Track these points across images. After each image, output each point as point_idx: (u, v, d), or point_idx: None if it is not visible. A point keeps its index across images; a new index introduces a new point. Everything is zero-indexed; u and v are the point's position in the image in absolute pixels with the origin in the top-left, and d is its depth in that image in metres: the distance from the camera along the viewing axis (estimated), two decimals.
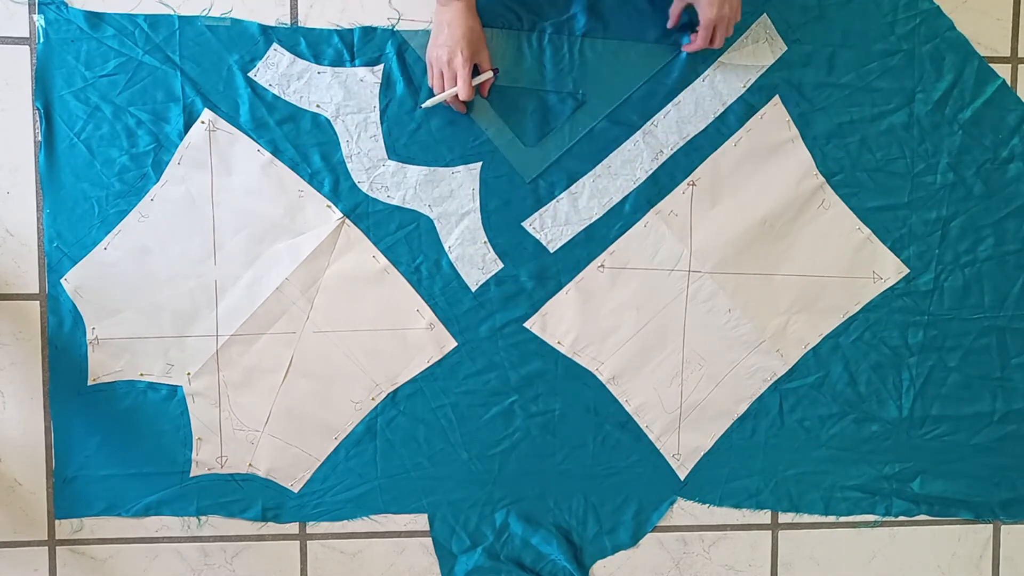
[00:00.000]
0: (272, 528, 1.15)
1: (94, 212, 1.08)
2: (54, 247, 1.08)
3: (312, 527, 1.16)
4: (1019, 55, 1.19)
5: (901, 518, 1.23)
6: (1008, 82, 1.18)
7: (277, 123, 1.09)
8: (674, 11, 1.09)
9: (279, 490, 1.14)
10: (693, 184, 1.15)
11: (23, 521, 1.12)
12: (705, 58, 1.13)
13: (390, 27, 1.10)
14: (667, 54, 1.12)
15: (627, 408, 1.17)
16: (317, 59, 1.09)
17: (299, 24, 1.09)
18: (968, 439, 1.22)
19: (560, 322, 1.15)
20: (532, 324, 1.15)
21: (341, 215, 1.10)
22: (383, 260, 1.12)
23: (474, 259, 1.13)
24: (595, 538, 1.19)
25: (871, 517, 1.23)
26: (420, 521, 1.17)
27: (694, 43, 1.07)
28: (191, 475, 1.13)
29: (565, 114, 1.11)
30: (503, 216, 1.13)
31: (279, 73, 1.08)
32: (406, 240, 1.12)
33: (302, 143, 1.09)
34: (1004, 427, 1.22)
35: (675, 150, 1.14)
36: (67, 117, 1.07)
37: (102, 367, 1.10)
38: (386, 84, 1.10)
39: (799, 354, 1.19)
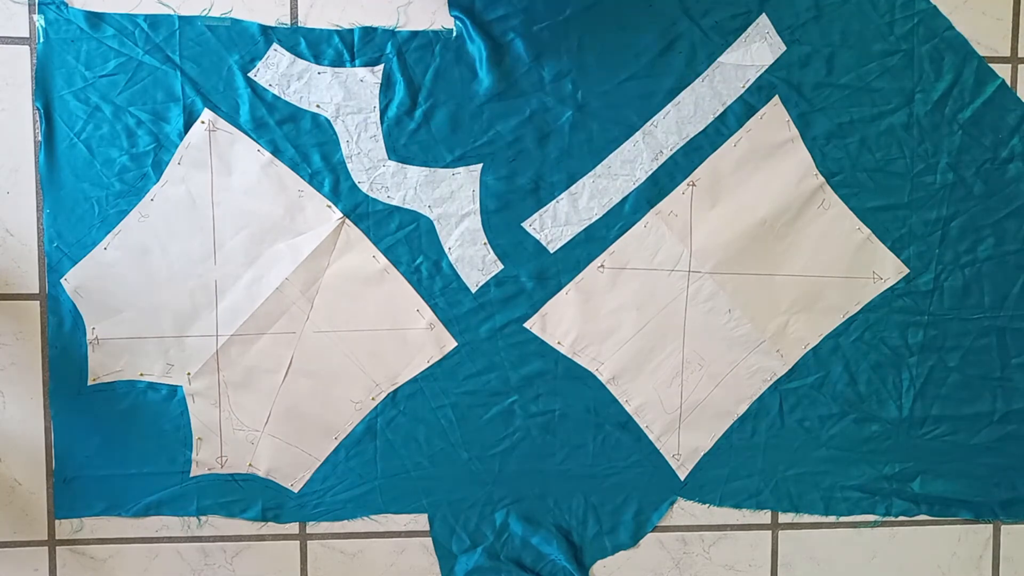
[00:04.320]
0: (272, 528, 1.15)
1: (94, 212, 1.08)
2: (54, 247, 1.08)
3: (312, 527, 1.16)
4: (1019, 55, 1.19)
5: (901, 518, 1.23)
6: (1008, 82, 1.18)
7: (277, 123, 1.09)
8: None
9: (279, 490, 1.14)
10: (693, 184, 1.15)
11: (23, 521, 1.12)
12: (704, 58, 1.13)
13: (390, 28, 1.10)
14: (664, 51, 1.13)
15: (627, 408, 1.17)
16: (317, 59, 1.09)
17: (299, 24, 1.09)
18: (968, 439, 1.22)
19: (560, 322, 1.15)
20: (532, 324, 1.15)
21: (341, 215, 1.11)
22: (383, 260, 1.12)
23: (474, 260, 1.13)
24: (595, 538, 1.19)
25: (871, 517, 1.23)
26: (420, 521, 1.17)
27: None
28: (191, 475, 1.13)
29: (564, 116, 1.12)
30: (503, 217, 1.13)
31: (279, 73, 1.09)
32: (406, 240, 1.12)
33: (302, 143, 1.09)
34: (1004, 427, 1.22)
35: (675, 150, 1.14)
36: (67, 117, 1.07)
37: (102, 367, 1.10)
38: (386, 84, 1.10)
39: (799, 354, 1.19)
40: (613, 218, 1.14)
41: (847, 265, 1.18)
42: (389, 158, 1.11)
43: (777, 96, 1.15)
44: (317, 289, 1.11)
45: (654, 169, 1.14)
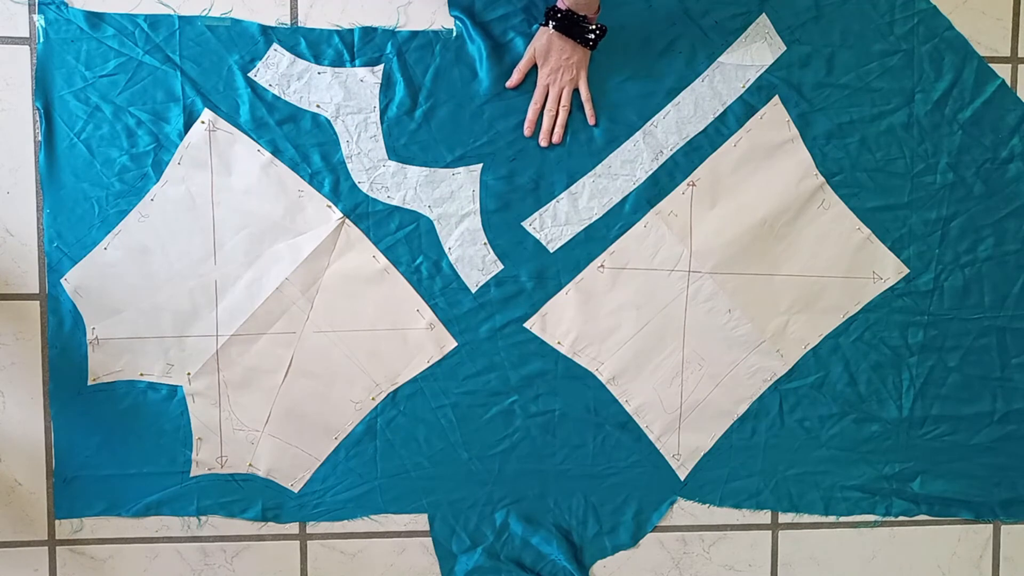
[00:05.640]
0: (272, 528, 1.15)
1: (94, 212, 1.08)
2: (54, 247, 1.08)
3: (312, 527, 1.16)
4: (1019, 55, 1.19)
5: (901, 518, 1.23)
6: (1008, 82, 1.18)
7: (277, 123, 1.09)
8: (520, 69, 1.10)
9: (279, 490, 1.14)
10: (693, 184, 1.15)
11: (23, 521, 1.12)
12: (704, 58, 1.13)
13: (390, 28, 1.10)
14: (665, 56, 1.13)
15: (627, 408, 1.17)
16: (317, 59, 1.09)
17: (299, 24, 1.09)
18: (968, 439, 1.22)
19: (560, 322, 1.15)
20: (532, 324, 1.15)
21: (341, 215, 1.11)
22: (383, 260, 1.12)
23: (474, 260, 1.13)
24: (595, 538, 1.19)
25: (871, 517, 1.23)
26: (420, 521, 1.17)
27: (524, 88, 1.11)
28: (191, 475, 1.13)
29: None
30: (503, 217, 1.13)
31: (279, 73, 1.09)
32: (406, 240, 1.12)
33: (302, 143, 1.09)
34: (1004, 427, 1.22)
35: (675, 150, 1.14)
36: (67, 117, 1.07)
37: (102, 367, 1.10)
38: (386, 84, 1.10)
39: (799, 354, 1.19)
40: (613, 218, 1.14)
41: (847, 265, 1.18)
42: (389, 158, 1.11)
43: (777, 96, 1.15)
44: (317, 289, 1.11)
45: (654, 169, 1.14)
